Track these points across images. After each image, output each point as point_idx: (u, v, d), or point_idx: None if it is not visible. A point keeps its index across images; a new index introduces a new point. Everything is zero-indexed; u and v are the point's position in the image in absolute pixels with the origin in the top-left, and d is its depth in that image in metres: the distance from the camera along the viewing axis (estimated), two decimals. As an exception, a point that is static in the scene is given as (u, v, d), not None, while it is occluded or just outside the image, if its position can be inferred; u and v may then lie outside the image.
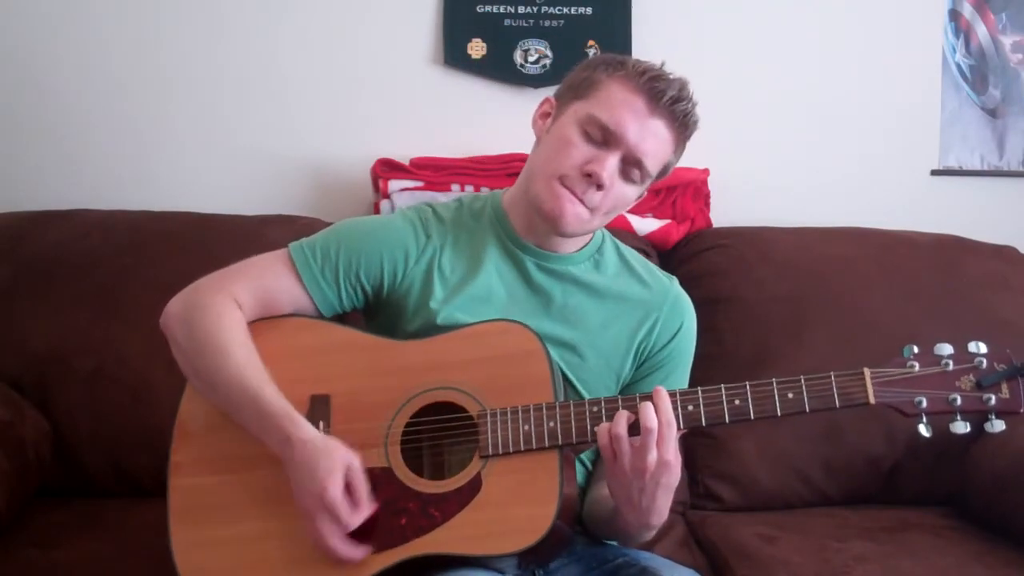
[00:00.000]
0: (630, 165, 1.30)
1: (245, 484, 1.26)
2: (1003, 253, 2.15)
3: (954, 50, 2.35)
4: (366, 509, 1.19)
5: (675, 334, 1.41)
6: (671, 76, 1.31)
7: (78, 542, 1.60)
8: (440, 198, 2.09)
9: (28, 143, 2.21)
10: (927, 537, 1.73)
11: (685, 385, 1.43)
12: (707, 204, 2.22)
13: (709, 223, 2.21)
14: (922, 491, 1.88)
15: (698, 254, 2.09)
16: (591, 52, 2.22)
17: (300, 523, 1.21)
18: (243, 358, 1.25)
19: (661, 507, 1.20)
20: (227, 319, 1.27)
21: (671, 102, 1.28)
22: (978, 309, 2.01)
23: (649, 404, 1.17)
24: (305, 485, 1.18)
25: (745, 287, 2.01)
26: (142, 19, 2.20)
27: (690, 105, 1.31)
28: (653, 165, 1.31)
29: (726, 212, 2.21)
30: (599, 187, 1.28)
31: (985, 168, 2.38)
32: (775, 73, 2.30)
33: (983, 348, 1.22)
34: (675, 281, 1.47)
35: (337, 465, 1.17)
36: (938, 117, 2.35)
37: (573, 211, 1.30)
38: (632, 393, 1.39)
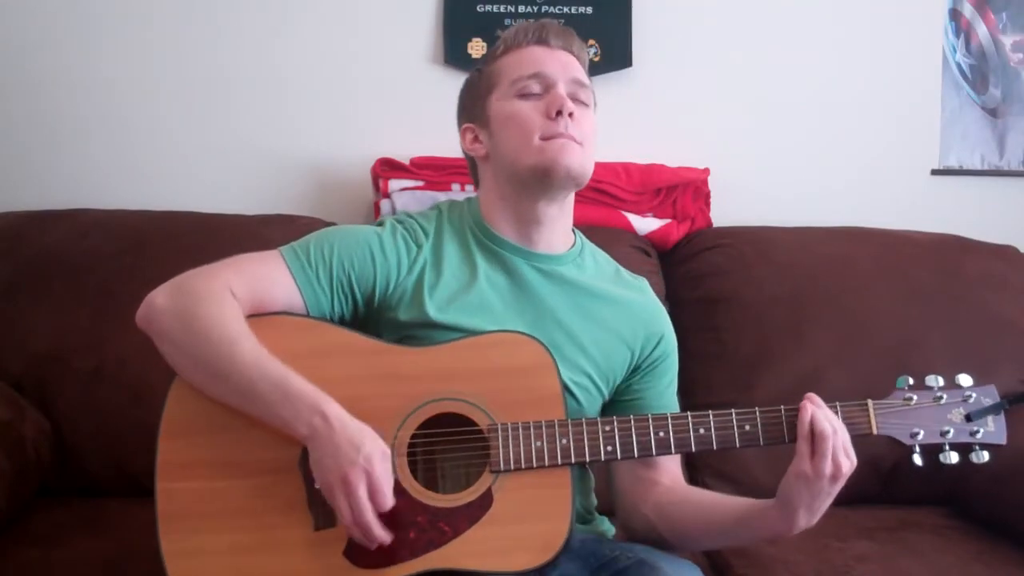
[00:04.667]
0: (574, 88, 1.36)
1: (239, 492, 1.21)
2: (1003, 253, 2.15)
3: (954, 50, 2.35)
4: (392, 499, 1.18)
5: (661, 336, 1.42)
6: (539, 21, 1.40)
7: (78, 542, 1.60)
8: (440, 198, 2.10)
9: (28, 143, 2.21)
10: (927, 537, 1.73)
11: (676, 380, 1.45)
12: (707, 204, 2.22)
13: (709, 223, 2.21)
14: (922, 491, 1.88)
15: (698, 254, 2.09)
16: (591, 51, 2.21)
17: (297, 532, 1.19)
18: (255, 344, 1.21)
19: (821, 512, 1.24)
20: (228, 307, 1.22)
21: (556, 36, 1.38)
22: (978, 309, 2.01)
23: (816, 411, 1.20)
24: (346, 456, 1.14)
25: (745, 287, 2.01)
26: (142, 19, 2.20)
27: (570, 31, 1.41)
28: (586, 80, 1.39)
29: (726, 212, 2.22)
30: (570, 115, 1.33)
31: (985, 168, 2.38)
32: (775, 73, 2.31)
33: (969, 381, 1.28)
34: (646, 283, 1.48)
35: (379, 446, 1.16)
36: (938, 117, 2.35)
37: (566, 147, 1.32)
38: (628, 397, 1.41)
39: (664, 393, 1.43)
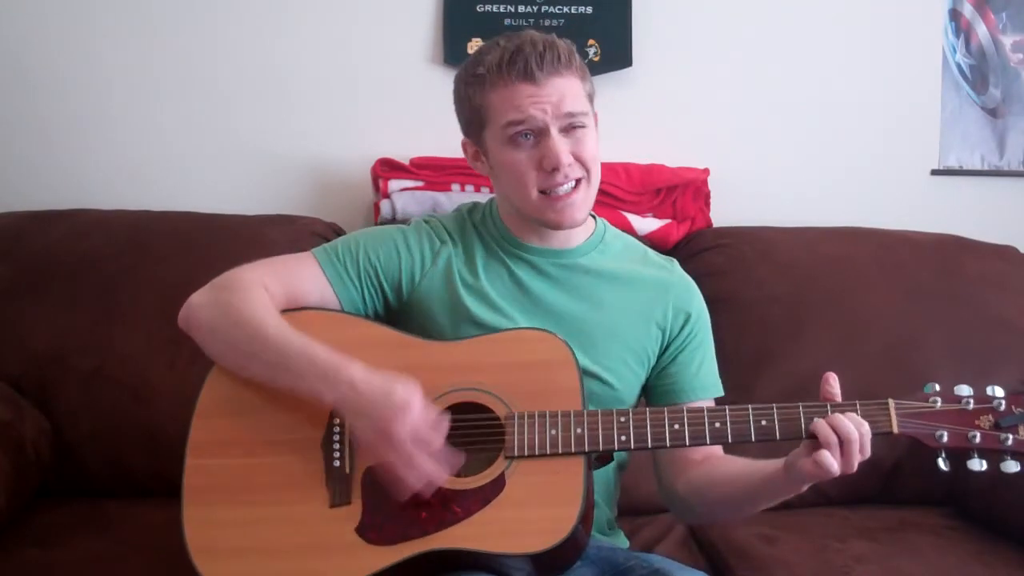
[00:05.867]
0: (568, 122, 1.32)
1: (263, 469, 1.26)
2: (1003, 253, 2.16)
3: (954, 50, 2.35)
4: (445, 427, 1.20)
5: (690, 313, 1.43)
6: (519, 41, 1.31)
7: (78, 542, 1.60)
8: (440, 198, 2.11)
9: (28, 143, 2.21)
10: (927, 537, 1.73)
11: (714, 357, 1.46)
12: (707, 204, 2.22)
13: (709, 223, 2.21)
14: (922, 491, 1.88)
15: (698, 254, 2.09)
16: (591, 51, 2.22)
17: (312, 508, 1.22)
18: (280, 321, 1.27)
19: None
20: (259, 295, 1.30)
21: (540, 64, 1.29)
22: (978, 309, 2.01)
23: (839, 417, 1.19)
24: (380, 412, 1.18)
25: (745, 287, 2.01)
26: (142, 19, 2.20)
27: (553, 45, 1.31)
28: (580, 105, 1.33)
29: (726, 212, 2.22)
30: (569, 165, 1.32)
31: (985, 168, 2.38)
32: (775, 73, 2.31)
33: (1000, 392, 1.24)
34: (675, 263, 1.50)
35: (412, 389, 1.19)
36: (938, 117, 2.35)
37: (569, 203, 1.33)
38: (664, 382, 1.42)
39: (698, 374, 1.43)
